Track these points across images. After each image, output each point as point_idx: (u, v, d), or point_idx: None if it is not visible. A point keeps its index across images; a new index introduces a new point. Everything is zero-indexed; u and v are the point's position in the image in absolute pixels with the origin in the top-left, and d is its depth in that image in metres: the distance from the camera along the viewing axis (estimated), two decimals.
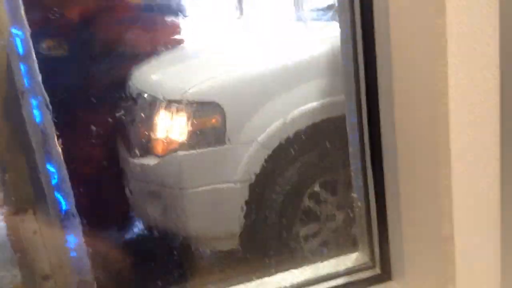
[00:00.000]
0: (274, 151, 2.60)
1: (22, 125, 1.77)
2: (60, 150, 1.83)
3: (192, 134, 2.61)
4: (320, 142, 2.63)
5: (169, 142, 2.70)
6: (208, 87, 2.69)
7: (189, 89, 2.69)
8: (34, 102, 1.82)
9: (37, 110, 1.82)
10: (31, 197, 1.78)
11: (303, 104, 2.64)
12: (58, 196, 1.86)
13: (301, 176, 2.66)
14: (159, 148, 2.72)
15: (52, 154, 1.83)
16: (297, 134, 2.61)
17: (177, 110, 2.69)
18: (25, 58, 1.81)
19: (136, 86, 3.04)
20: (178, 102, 2.68)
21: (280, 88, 2.66)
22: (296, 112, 2.63)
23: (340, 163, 2.66)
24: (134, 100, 2.97)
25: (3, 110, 1.75)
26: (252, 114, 2.64)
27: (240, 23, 4.28)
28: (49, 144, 1.83)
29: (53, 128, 1.80)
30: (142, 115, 2.89)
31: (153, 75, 3.08)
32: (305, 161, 2.65)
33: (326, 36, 2.93)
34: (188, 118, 2.64)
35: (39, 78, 1.86)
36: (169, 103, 2.71)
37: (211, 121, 2.64)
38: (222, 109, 2.61)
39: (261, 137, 2.59)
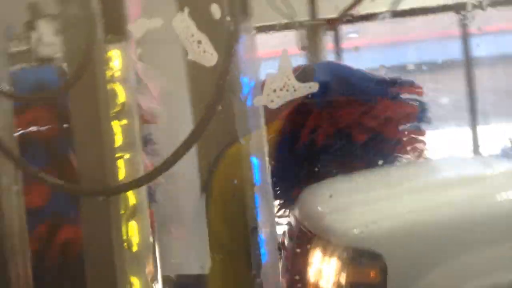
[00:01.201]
0: None
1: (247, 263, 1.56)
2: None
3: (346, 287, 2.13)
4: None
5: None
6: (370, 232, 2.18)
7: (348, 231, 2.23)
8: (262, 239, 1.62)
9: (264, 249, 1.61)
10: None
11: (492, 273, 2.05)
12: None
13: None
14: None
15: None
16: None
17: (331, 254, 2.21)
18: (261, 188, 1.64)
19: (298, 212, 2.70)
20: (334, 244, 2.21)
21: (463, 247, 2.10)
22: (484, 284, 2.04)
23: None
24: (293, 229, 2.62)
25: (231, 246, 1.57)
26: (422, 275, 2.07)
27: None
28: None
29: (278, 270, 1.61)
30: (296, 249, 2.51)
31: (319, 204, 2.70)
32: None
33: None
34: (343, 266, 2.19)
35: (273, 210, 1.68)
36: (324, 243, 2.32)
37: (368, 275, 2.13)
38: (384, 262, 2.09)
39: None
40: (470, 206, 2.24)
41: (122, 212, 1.80)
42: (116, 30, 1.89)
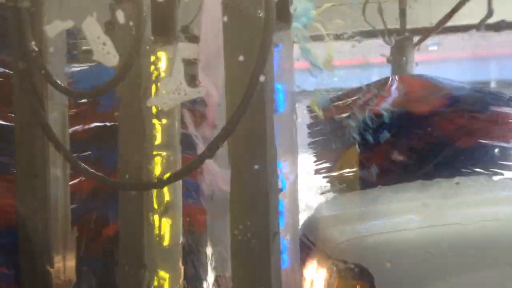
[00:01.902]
0: None
1: (266, 270, 1.57)
2: None
3: None
4: None
5: None
6: (358, 244, 2.18)
7: (340, 242, 2.23)
8: (284, 243, 1.62)
9: (286, 255, 1.62)
10: None
11: None
12: None
13: None
14: None
15: None
16: None
17: (324, 265, 2.23)
18: (287, 194, 1.66)
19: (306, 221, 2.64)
20: (327, 255, 2.22)
21: (462, 267, 2.03)
22: None
23: None
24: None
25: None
26: None
27: None
28: None
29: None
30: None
31: (324, 210, 2.66)
32: None
33: None
34: (332, 278, 2.17)
35: (298, 216, 1.69)
36: (320, 254, 2.26)
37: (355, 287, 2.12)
38: (371, 277, 2.08)
39: None
40: (474, 227, 2.13)
41: (156, 207, 1.87)
42: (164, 32, 1.98)
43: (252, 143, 1.67)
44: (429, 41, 4.39)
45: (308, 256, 2.34)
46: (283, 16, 1.80)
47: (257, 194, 1.65)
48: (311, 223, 2.59)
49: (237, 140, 1.68)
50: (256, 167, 1.60)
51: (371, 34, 4.08)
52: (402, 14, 4.33)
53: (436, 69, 4.54)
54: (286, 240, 1.73)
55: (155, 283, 1.82)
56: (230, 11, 1.74)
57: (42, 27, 2.02)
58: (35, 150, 2.04)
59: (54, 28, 1.82)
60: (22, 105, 2.04)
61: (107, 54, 1.66)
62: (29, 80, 2.00)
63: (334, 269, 2.16)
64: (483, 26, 4.20)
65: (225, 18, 1.75)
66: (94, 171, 1.90)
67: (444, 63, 5.17)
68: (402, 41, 4.20)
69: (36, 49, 1.99)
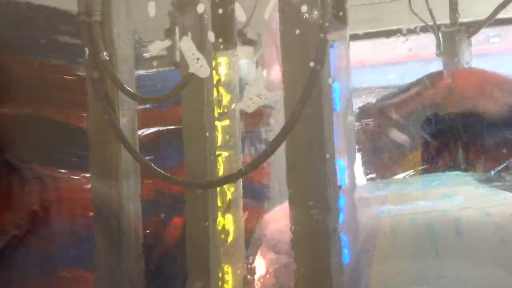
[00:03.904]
0: None
1: (325, 265, 1.62)
2: None
3: None
4: None
5: None
6: None
7: None
8: (344, 239, 1.67)
9: (347, 250, 1.66)
10: None
11: None
12: None
13: None
14: None
15: None
16: None
17: None
18: (346, 191, 1.71)
19: None
20: None
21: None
22: None
23: None
24: None
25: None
26: None
27: None
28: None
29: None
30: None
31: None
32: None
33: None
34: None
35: (356, 213, 1.73)
36: None
37: None
38: None
39: None
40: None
41: (220, 205, 1.97)
42: (224, 39, 2.07)
43: (310, 141, 1.74)
44: (490, 32, 4.28)
45: None
46: (339, 15, 1.86)
47: (316, 190, 1.72)
48: None
49: (295, 138, 1.75)
50: (314, 164, 1.68)
51: (421, 29, 4.03)
52: (453, 5, 4.26)
53: (497, 61, 4.43)
54: (346, 235, 1.78)
55: (219, 275, 1.93)
56: (286, 13, 1.82)
57: (112, 38, 2.18)
58: (109, 151, 2.19)
59: (156, 47, 2.10)
60: (96, 111, 2.20)
61: (200, 68, 1.87)
62: (102, 88, 2.15)
63: None
64: None
65: (282, 20, 1.83)
66: (163, 171, 2.02)
67: (507, 55, 5.01)
68: (452, 34, 4.11)
69: (108, 59, 2.15)
